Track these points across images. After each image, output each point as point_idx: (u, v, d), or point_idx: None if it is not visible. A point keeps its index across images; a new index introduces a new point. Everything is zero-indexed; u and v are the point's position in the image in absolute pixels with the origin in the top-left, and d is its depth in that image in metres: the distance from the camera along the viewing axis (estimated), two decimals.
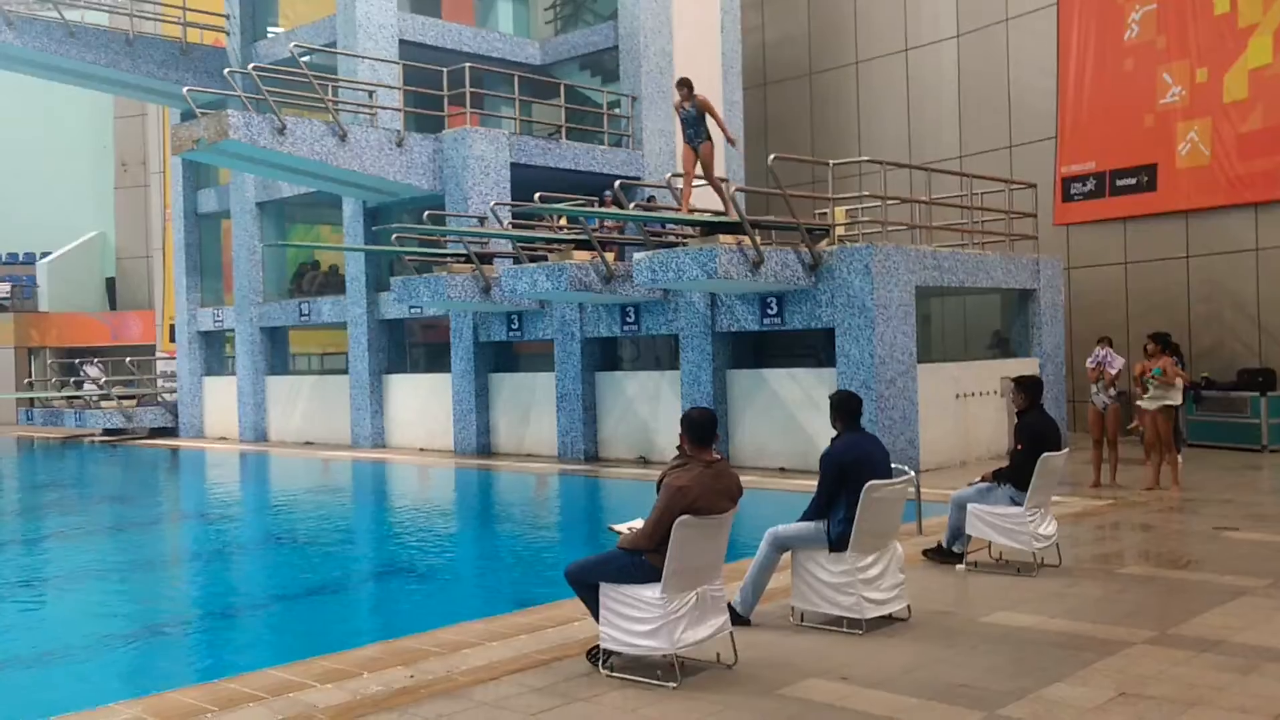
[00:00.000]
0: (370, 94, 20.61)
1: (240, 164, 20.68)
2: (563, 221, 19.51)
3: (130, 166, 38.83)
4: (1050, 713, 5.28)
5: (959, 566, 8.78)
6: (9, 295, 37.05)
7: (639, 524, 6.30)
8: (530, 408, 19.64)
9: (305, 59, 19.45)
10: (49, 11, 23.52)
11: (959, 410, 16.15)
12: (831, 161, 16.05)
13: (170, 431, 27.42)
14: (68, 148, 39.65)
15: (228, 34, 25.11)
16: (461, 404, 20.30)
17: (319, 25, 23.22)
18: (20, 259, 39.05)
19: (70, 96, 33.74)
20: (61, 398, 30.17)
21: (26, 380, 35.04)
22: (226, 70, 20.04)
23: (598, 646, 6.21)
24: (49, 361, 35.03)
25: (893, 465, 7.42)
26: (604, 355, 18.96)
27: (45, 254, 38.39)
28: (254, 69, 18.76)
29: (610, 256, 16.99)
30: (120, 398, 28.58)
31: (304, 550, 12.39)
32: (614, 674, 6.07)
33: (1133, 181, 20.07)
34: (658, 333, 17.63)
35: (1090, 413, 13.76)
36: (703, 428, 6.17)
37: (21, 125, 38.87)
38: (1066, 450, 9.07)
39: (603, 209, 17.25)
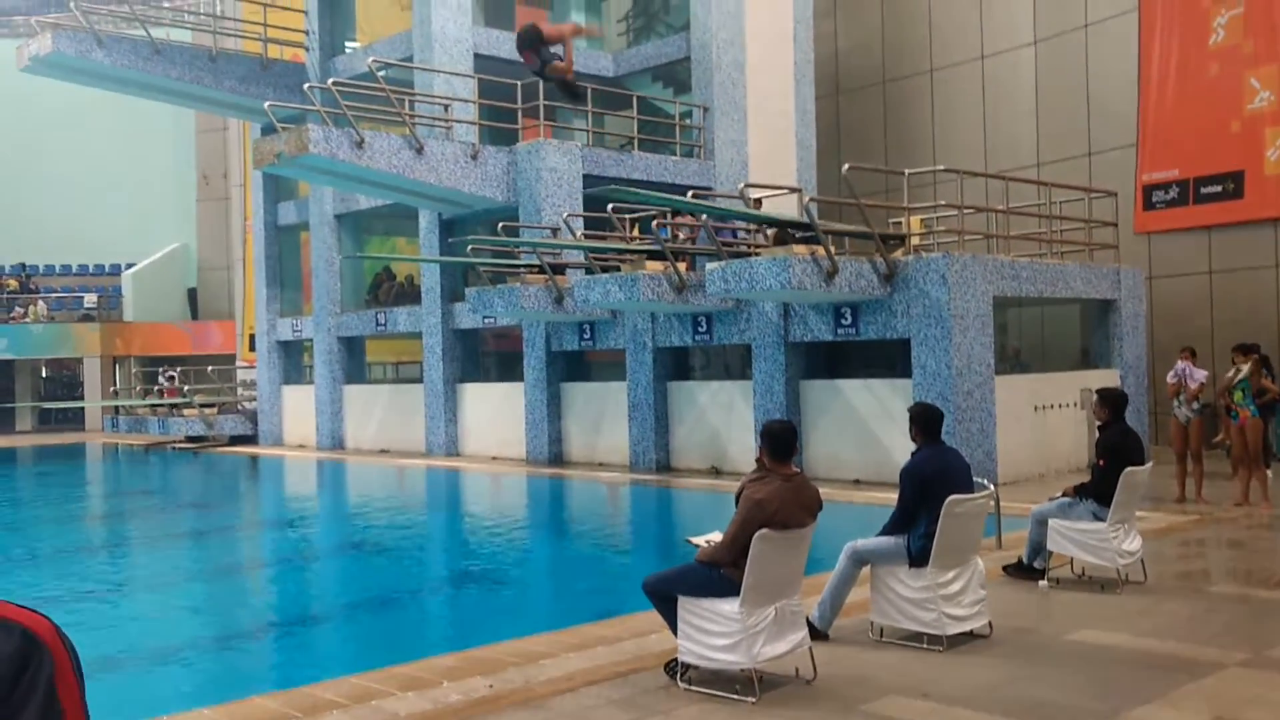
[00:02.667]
0: (446, 107, 20.86)
1: (319, 177, 21.06)
2: (635, 232, 19.56)
3: (212, 180, 39.70)
4: None
5: (1041, 583, 8.62)
6: (96, 305, 38.06)
7: (717, 537, 6.28)
8: (602, 417, 19.71)
9: (382, 73, 19.74)
10: (136, 30, 24.17)
11: (1038, 422, 15.88)
12: (907, 170, 15.90)
13: (250, 439, 27.95)
14: (152, 162, 40.65)
15: (307, 50, 25.58)
16: (534, 413, 20.42)
17: (395, 40, 23.57)
18: (106, 270, 40.13)
19: (154, 112, 34.61)
20: (145, 405, 30.93)
21: (112, 388, 35.95)
22: (306, 85, 20.42)
23: (675, 659, 6.20)
24: (133, 370, 35.93)
25: (974, 479, 7.32)
26: (676, 365, 18.96)
27: (130, 265, 39.39)
28: (333, 84, 19.09)
29: (682, 266, 16.99)
30: (202, 405, 29.21)
31: (382, 558, 12.55)
32: (692, 687, 6.05)
33: (1218, 189, 19.60)
34: (730, 342, 17.59)
35: (1172, 426, 13.44)
36: (782, 441, 6.13)
37: (108, 141, 39.95)
38: (1150, 465, 8.87)
39: (680, 200, 17.23)
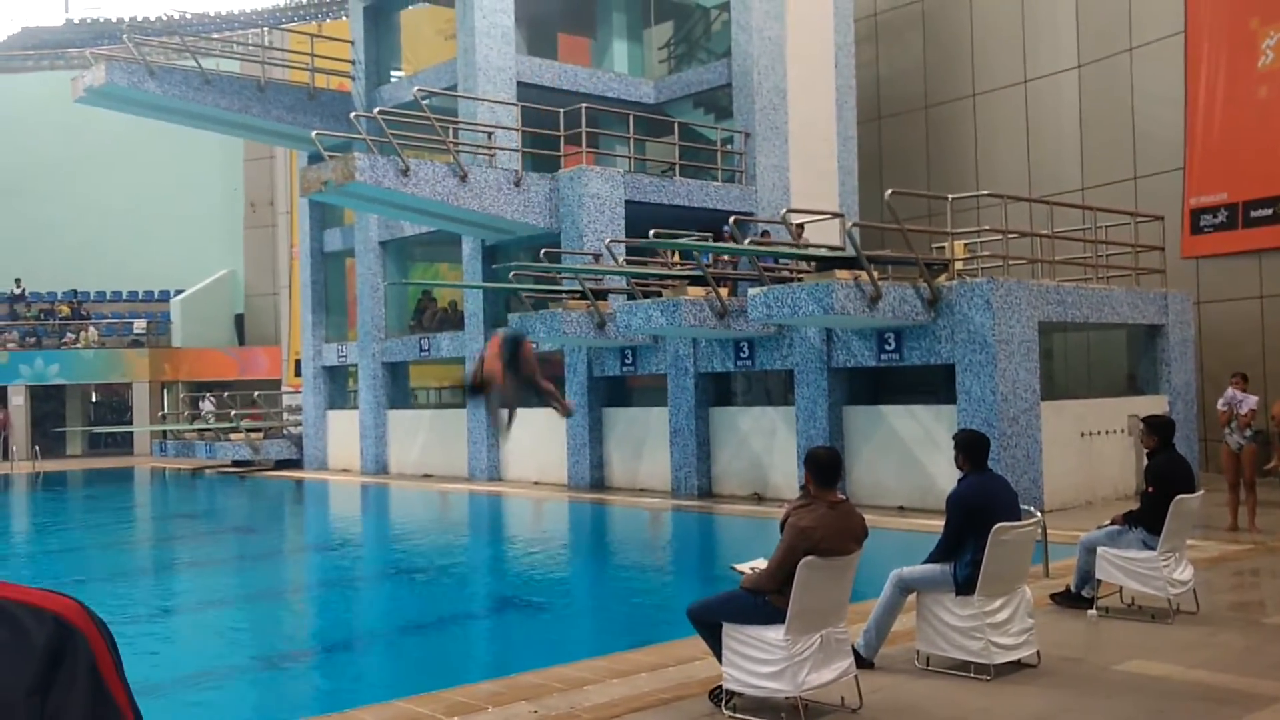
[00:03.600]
0: (489, 135, 21.06)
1: (365, 205, 21.31)
2: (676, 257, 19.61)
3: (259, 207, 40.26)
4: None
5: (1090, 612, 8.50)
6: (145, 331, 38.64)
7: (761, 563, 6.26)
8: (643, 442, 19.71)
9: (427, 102, 19.97)
10: (187, 61, 24.64)
11: (1084, 449, 15.70)
12: (950, 195, 15.84)
13: (295, 463, 28.20)
14: (200, 190, 41.32)
15: (353, 79, 25.95)
16: (575, 438, 20.46)
17: (440, 69, 23.86)
18: (156, 296, 40.76)
19: (203, 141, 35.22)
20: (193, 430, 31.33)
21: (160, 413, 36.43)
22: (352, 114, 20.70)
23: (720, 686, 6.17)
24: (181, 395, 36.42)
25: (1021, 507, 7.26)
26: (718, 390, 18.94)
27: (179, 291, 39.98)
28: (379, 113, 19.34)
29: (724, 292, 17.01)
30: (248, 430, 29.53)
31: (426, 583, 12.60)
32: (737, 715, 6.03)
33: (1268, 212, 19.35)
34: (772, 368, 17.56)
35: (1224, 453, 13.24)
36: (829, 468, 6.12)
37: (158, 169, 40.67)
38: (1201, 493, 8.73)
39: (719, 244, 17.31)
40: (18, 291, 38.64)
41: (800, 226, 17.28)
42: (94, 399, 41.19)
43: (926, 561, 7.04)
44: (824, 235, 19.24)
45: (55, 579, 13.19)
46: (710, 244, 17.60)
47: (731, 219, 16.53)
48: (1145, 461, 8.87)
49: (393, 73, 26.36)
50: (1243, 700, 6.13)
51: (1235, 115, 19.95)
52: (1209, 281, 20.23)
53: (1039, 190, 21.90)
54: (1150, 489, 8.46)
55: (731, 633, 6.05)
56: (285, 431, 30.30)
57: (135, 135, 37.43)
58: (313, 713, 6.63)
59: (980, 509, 6.85)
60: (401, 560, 14.55)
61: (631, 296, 18.59)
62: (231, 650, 9.60)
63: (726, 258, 18.19)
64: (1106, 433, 16.09)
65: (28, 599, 1.02)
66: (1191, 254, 20.41)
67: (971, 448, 7.18)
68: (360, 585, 12.99)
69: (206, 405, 33.06)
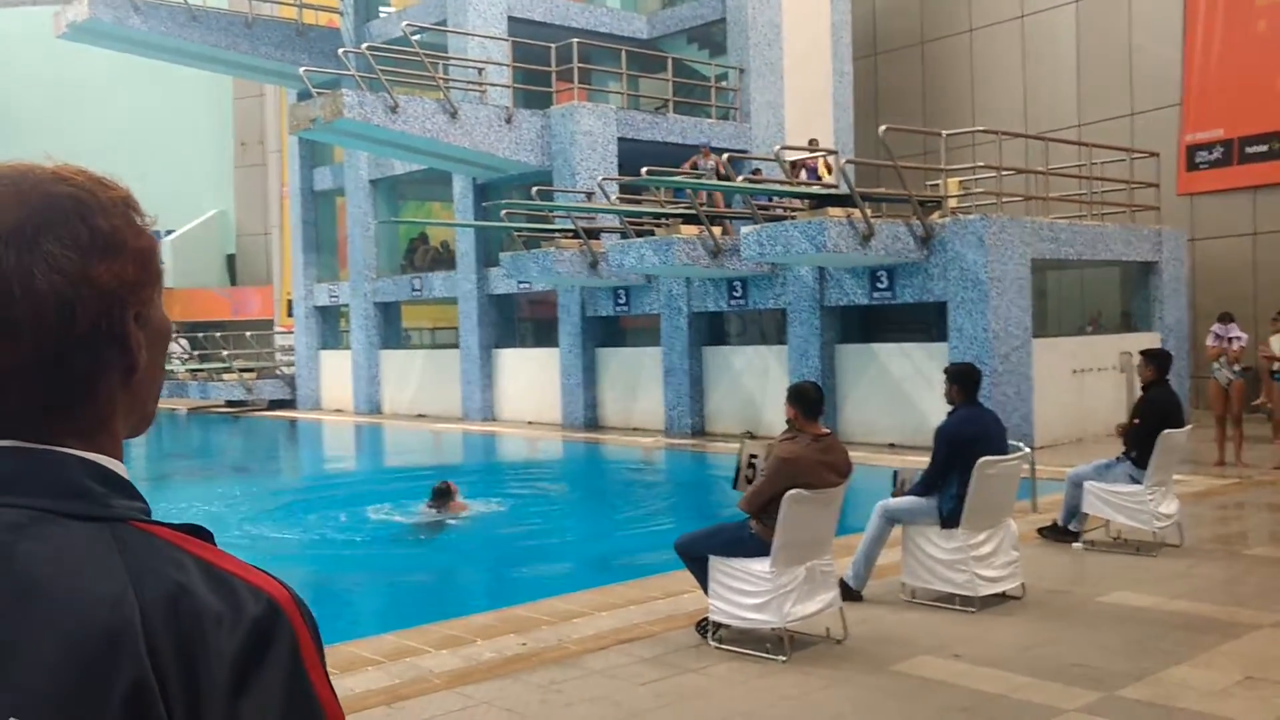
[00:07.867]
0: (480, 71, 20.83)
1: (354, 142, 21.10)
2: (669, 196, 19.48)
3: (249, 146, 39.88)
4: (1171, 695, 5.15)
5: (1075, 545, 8.59)
6: None
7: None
8: (637, 382, 19.73)
9: (416, 37, 19.72)
10: None
11: (1076, 386, 15.74)
12: (945, 132, 15.71)
13: (288, 403, 28.22)
14: (190, 129, 40.88)
15: (342, 15, 25.57)
16: (569, 378, 20.48)
17: (430, 4, 23.49)
18: None
19: (192, 79, 34.78)
20: (185, 370, 31.30)
21: None
22: (341, 50, 20.43)
23: (706, 618, 6.24)
24: (173, 336, 36.33)
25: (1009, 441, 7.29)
26: (711, 330, 18.93)
27: (170, 232, 39.71)
28: (367, 48, 19.10)
29: (718, 231, 16.93)
30: (241, 370, 29.53)
31: (420, 518, 12.66)
32: (722, 646, 6.09)
33: (1264, 149, 19.24)
34: (765, 307, 17.53)
35: (1212, 388, 13.30)
36: (815, 400, 6.19)
37: (147, 109, 40.21)
38: (1189, 427, 8.78)
39: (712, 182, 17.18)
40: None
41: (795, 164, 17.16)
42: None
43: (912, 493, 7.10)
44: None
45: None
46: (703, 182, 17.48)
47: (725, 155, 16.37)
48: (1140, 394, 8.91)
49: (381, 8, 25.98)
50: (1221, 629, 6.21)
51: (1233, 51, 19.76)
52: (1203, 218, 20.17)
53: (1035, 127, 21.73)
54: (1135, 420, 8.51)
55: (718, 565, 6.11)
56: (278, 372, 30.29)
57: (123, 74, 36.98)
58: None
59: (969, 441, 6.88)
60: (395, 497, 14.60)
61: (624, 235, 18.51)
62: None
63: (697, 192, 17.97)
64: (1099, 370, 16.12)
65: (248, 576, 0.99)
66: (1187, 191, 20.33)
67: (964, 379, 7.21)
68: (354, 521, 13.05)
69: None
